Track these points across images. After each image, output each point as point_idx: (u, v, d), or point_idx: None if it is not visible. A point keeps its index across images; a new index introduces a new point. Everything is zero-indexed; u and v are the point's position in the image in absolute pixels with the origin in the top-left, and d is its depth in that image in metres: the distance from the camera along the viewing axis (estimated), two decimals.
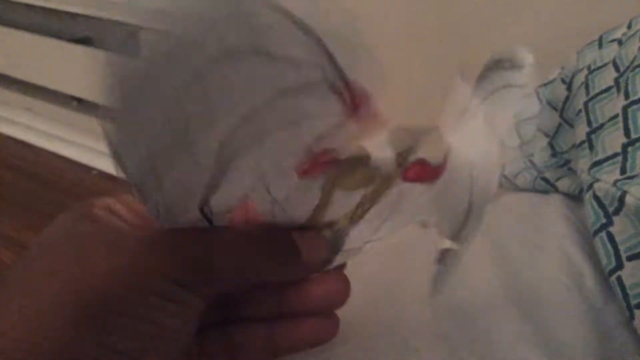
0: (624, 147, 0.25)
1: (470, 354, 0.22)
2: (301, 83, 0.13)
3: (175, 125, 0.13)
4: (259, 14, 0.12)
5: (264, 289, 0.20)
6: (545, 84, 0.37)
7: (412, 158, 0.18)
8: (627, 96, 0.26)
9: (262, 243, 0.18)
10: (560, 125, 0.35)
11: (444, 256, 0.21)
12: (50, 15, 0.91)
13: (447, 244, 0.20)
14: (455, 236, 0.20)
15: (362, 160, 0.17)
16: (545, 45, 0.49)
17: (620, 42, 0.31)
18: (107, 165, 0.96)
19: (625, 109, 0.26)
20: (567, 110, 0.34)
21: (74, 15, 0.86)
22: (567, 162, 0.33)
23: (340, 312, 0.25)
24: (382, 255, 0.30)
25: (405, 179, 0.18)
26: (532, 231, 0.27)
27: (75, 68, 0.90)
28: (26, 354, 0.13)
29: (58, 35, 0.90)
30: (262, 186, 0.16)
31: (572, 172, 0.31)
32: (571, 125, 0.34)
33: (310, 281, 0.19)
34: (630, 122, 0.25)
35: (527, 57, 0.19)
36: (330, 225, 0.19)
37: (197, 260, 0.16)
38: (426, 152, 0.18)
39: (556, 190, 0.30)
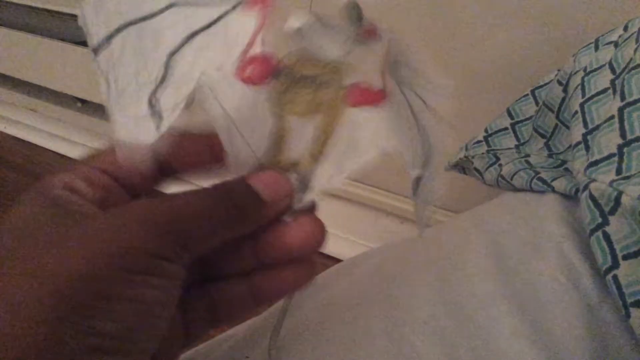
0: (620, 147, 0.25)
1: (468, 350, 0.22)
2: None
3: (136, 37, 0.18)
4: None
5: (240, 242, 0.19)
6: (542, 86, 0.37)
7: (347, 82, 0.19)
8: (623, 98, 0.26)
9: (226, 199, 0.17)
10: (556, 126, 0.35)
11: (416, 185, 0.20)
12: (54, 17, 0.92)
13: (416, 171, 0.20)
14: (421, 162, 0.20)
15: (301, 69, 0.19)
16: (543, 48, 0.49)
17: (616, 45, 0.31)
18: None
19: (621, 110, 0.26)
20: (563, 112, 0.34)
21: (77, 17, 0.87)
22: (564, 162, 0.33)
23: (340, 311, 0.25)
24: (382, 253, 0.31)
25: (350, 103, 0.19)
26: (529, 230, 0.28)
27: (78, 70, 0.90)
28: (8, 344, 0.13)
29: (62, 38, 0.91)
30: (212, 98, 0.18)
31: (569, 172, 0.31)
32: (567, 127, 0.34)
33: (285, 228, 0.19)
34: (626, 123, 0.26)
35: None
36: (294, 166, 0.19)
37: (169, 229, 0.16)
38: (360, 76, 0.19)
39: (552, 190, 0.30)
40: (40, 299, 0.13)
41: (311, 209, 0.20)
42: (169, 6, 0.19)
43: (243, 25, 0.19)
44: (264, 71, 0.19)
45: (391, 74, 0.20)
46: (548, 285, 0.24)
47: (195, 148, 0.20)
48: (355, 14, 0.19)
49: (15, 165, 0.96)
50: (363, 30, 0.19)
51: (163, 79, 0.18)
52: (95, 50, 0.18)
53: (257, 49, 0.19)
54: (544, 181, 0.30)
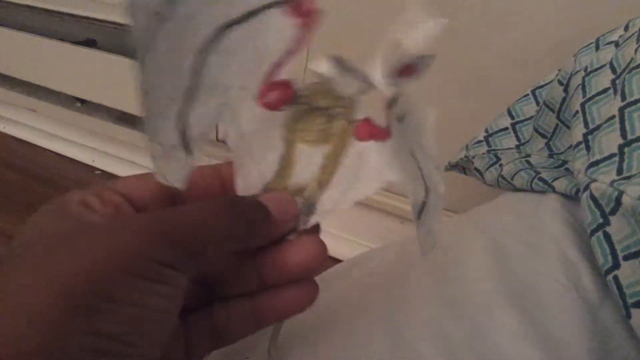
0: (621, 147, 0.25)
1: (468, 351, 0.22)
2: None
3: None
4: None
5: (243, 262, 0.20)
6: (542, 86, 0.37)
7: (358, 115, 0.19)
8: (623, 97, 0.26)
9: (234, 211, 0.18)
10: (557, 126, 0.35)
11: (419, 212, 0.21)
12: (54, 17, 0.92)
13: (419, 197, 0.20)
14: (423, 191, 0.21)
15: (316, 100, 0.19)
16: (543, 48, 0.49)
17: (617, 45, 0.31)
18: (110, 165, 0.97)
19: (621, 110, 0.26)
20: (564, 112, 0.34)
21: (77, 18, 0.87)
22: (564, 162, 0.33)
23: (340, 312, 0.25)
24: (382, 253, 0.31)
25: (359, 137, 0.20)
26: (530, 231, 0.28)
27: (78, 70, 0.90)
28: (13, 343, 0.13)
29: (62, 38, 0.91)
30: (234, 118, 0.18)
31: (569, 172, 0.31)
32: (568, 127, 0.34)
33: (286, 249, 0.20)
34: (626, 123, 0.26)
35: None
36: (301, 192, 0.20)
37: (175, 238, 0.16)
38: (371, 113, 0.19)
39: (553, 190, 0.30)
40: (44, 299, 0.14)
41: (315, 230, 0.21)
42: None
43: (280, 36, 0.16)
44: (283, 98, 0.19)
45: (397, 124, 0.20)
46: (548, 285, 0.24)
47: (205, 181, 0.20)
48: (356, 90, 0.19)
49: (15, 165, 0.96)
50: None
51: (191, 92, 0.15)
52: (138, 55, 0.14)
53: (283, 73, 0.18)
54: (544, 181, 0.30)
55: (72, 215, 0.17)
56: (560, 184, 0.29)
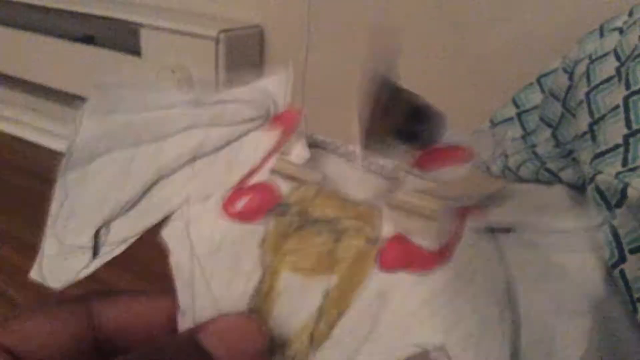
0: (626, 138, 0.25)
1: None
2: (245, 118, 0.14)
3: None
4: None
5: None
6: (546, 74, 0.37)
7: (384, 232, 0.13)
8: (628, 86, 0.26)
9: None
10: (563, 115, 0.34)
11: None
12: (51, 14, 0.91)
13: None
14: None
15: (314, 208, 0.14)
16: (546, 34, 0.48)
17: (621, 31, 0.30)
18: None
19: (626, 99, 0.26)
20: (569, 100, 0.34)
21: (75, 14, 0.86)
22: (571, 152, 0.33)
23: None
24: None
25: (383, 264, 0.13)
26: None
27: (77, 67, 0.90)
28: None
29: (60, 35, 0.90)
30: (184, 237, 0.14)
31: (576, 162, 0.31)
32: (574, 115, 0.33)
33: None
34: (631, 112, 0.25)
35: None
36: (282, 348, 0.13)
37: None
38: (408, 226, 0.13)
39: (560, 181, 0.29)
40: None
41: None
42: (187, 127, 0.14)
43: (256, 147, 0.14)
44: (260, 205, 0.14)
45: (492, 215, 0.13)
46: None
47: (146, 316, 0.14)
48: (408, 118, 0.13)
49: (14, 163, 0.96)
50: (424, 152, 0.13)
51: (132, 206, 0.14)
52: (69, 166, 0.14)
53: (260, 177, 0.14)
54: (550, 172, 0.30)
55: None
56: (567, 175, 0.29)
